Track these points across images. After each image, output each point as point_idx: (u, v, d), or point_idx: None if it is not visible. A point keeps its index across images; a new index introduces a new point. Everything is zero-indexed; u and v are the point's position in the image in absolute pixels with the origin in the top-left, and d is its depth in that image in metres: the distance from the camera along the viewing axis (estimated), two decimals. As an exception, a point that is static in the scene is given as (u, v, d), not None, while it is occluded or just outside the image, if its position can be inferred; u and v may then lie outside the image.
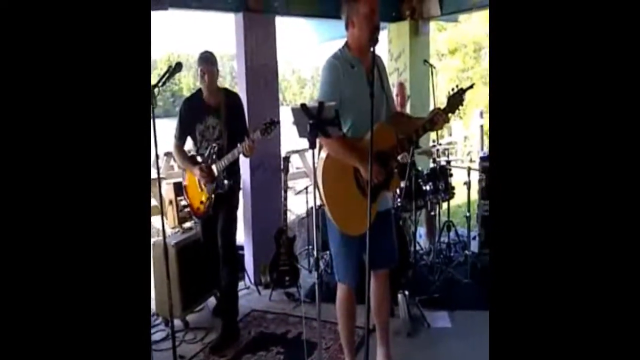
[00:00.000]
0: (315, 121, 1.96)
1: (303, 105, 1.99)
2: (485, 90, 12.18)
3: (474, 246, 3.97)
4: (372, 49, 1.96)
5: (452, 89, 2.11)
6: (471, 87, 2.16)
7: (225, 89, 2.89)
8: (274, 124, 2.56)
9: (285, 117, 2.40)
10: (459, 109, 2.13)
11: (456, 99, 2.09)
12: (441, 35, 12.65)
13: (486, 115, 11.36)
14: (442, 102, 2.16)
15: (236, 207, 2.89)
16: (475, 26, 12.24)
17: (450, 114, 2.11)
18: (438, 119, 2.07)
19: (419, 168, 3.63)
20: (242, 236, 3.71)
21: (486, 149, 8.43)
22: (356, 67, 2.11)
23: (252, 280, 3.62)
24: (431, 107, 4.03)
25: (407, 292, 2.93)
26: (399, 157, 3.49)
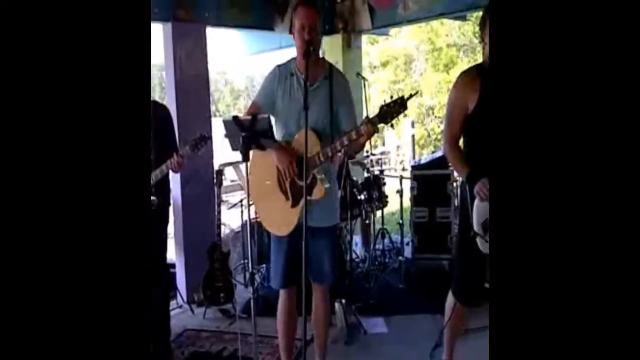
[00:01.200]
0: (248, 133, 1.94)
1: (235, 118, 1.96)
2: (416, 100, 12.74)
3: (408, 252, 4.11)
4: (305, 62, 1.98)
5: (391, 97, 1.88)
6: (411, 96, 1.92)
7: (154, 101, 2.77)
8: (204, 139, 2.50)
9: (218, 128, 2.35)
10: (393, 118, 1.88)
11: (390, 109, 1.86)
12: (373, 48, 13.10)
13: (417, 125, 11.90)
14: (374, 113, 2.11)
15: (166, 224, 2.77)
16: (406, 39, 12.82)
17: (381, 124, 1.92)
18: (361, 130, 1.90)
19: (354, 178, 3.70)
20: (173, 253, 3.57)
21: (417, 157, 8.79)
22: (295, 76, 2.12)
23: (185, 299, 3.48)
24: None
25: (343, 301, 2.97)
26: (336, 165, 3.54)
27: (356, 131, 1.92)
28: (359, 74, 4.32)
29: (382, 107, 1.87)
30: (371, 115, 1.93)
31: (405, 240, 4.15)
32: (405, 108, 1.86)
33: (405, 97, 1.84)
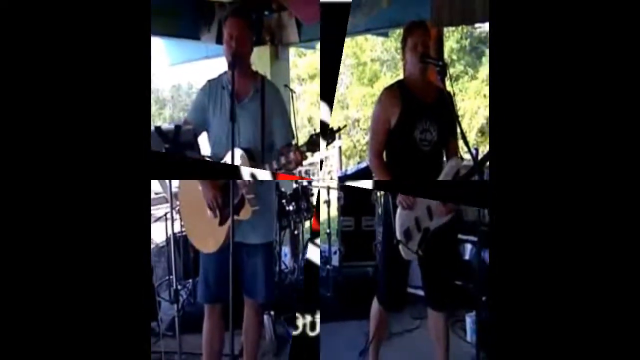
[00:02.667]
0: (171, 145, 1.90)
1: (158, 129, 1.91)
2: (342, 113, 13.09)
3: (335, 260, 4.19)
4: (231, 72, 1.96)
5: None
6: (340, 129, 1.92)
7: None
8: None
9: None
10: (319, 149, 1.87)
11: (319, 139, 1.85)
12: (302, 60, 13.27)
13: (344, 136, 12.20)
14: (304, 125, 2.10)
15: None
16: (332, 54, 13.14)
17: (308, 152, 1.89)
18: (290, 157, 1.88)
19: (283, 189, 3.73)
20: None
21: (344, 167, 9.02)
22: (226, 89, 2.08)
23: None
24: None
25: (272, 313, 2.96)
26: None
27: (285, 158, 1.89)
28: (286, 86, 4.36)
29: (311, 136, 1.87)
30: (300, 142, 1.93)
31: (333, 249, 4.23)
32: (334, 139, 1.87)
33: (335, 128, 1.86)
